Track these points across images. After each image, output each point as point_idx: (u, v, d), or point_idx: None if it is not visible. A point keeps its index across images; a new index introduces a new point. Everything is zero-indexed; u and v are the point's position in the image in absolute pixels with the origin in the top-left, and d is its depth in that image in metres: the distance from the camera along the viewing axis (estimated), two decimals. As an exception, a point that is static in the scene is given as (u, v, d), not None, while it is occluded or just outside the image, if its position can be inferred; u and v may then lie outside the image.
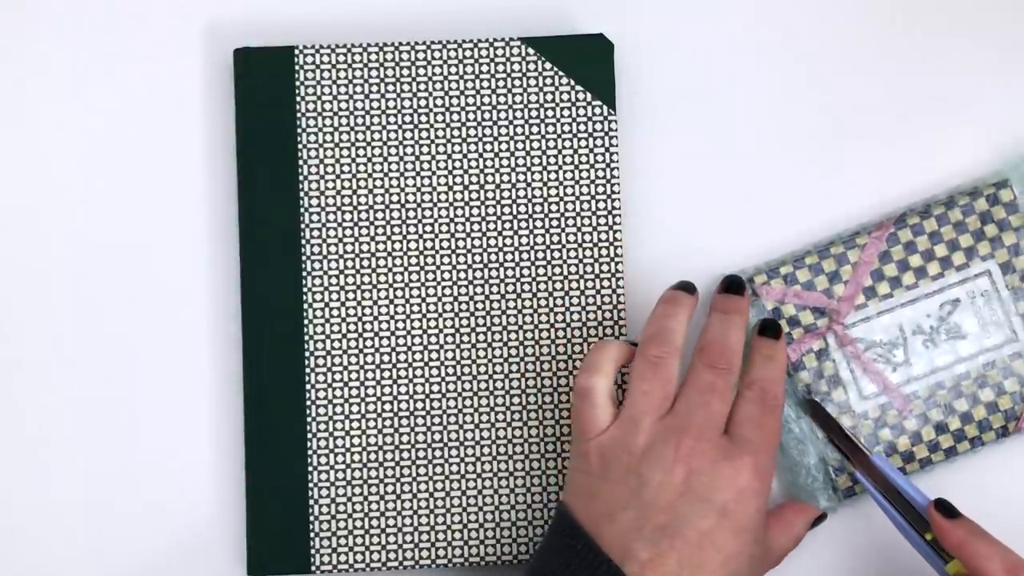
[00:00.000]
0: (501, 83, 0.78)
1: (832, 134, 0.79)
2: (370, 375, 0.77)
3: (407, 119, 0.78)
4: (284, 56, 0.78)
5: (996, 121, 0.79)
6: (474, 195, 0.77)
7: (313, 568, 0.76)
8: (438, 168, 0.78)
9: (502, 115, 0.78)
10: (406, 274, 0.77)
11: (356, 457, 0.76)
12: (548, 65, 0.78)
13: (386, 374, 0.77)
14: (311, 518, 0.76)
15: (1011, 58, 0.80)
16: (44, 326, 0.79)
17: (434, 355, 0.77)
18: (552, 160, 0.78)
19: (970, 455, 0.77)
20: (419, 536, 0.76)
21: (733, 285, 0.75)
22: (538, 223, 0.77)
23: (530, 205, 0.77)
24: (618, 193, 0.78)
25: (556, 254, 0.77)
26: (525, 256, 0.77)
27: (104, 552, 0.78)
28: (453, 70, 0.78)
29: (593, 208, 0.77)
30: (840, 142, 0.79)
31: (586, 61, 0.78)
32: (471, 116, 0.78)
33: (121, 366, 0.78)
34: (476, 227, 0.77)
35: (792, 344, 0.77)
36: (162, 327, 0.79)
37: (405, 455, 0.76)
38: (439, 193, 0.78)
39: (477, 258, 0.77)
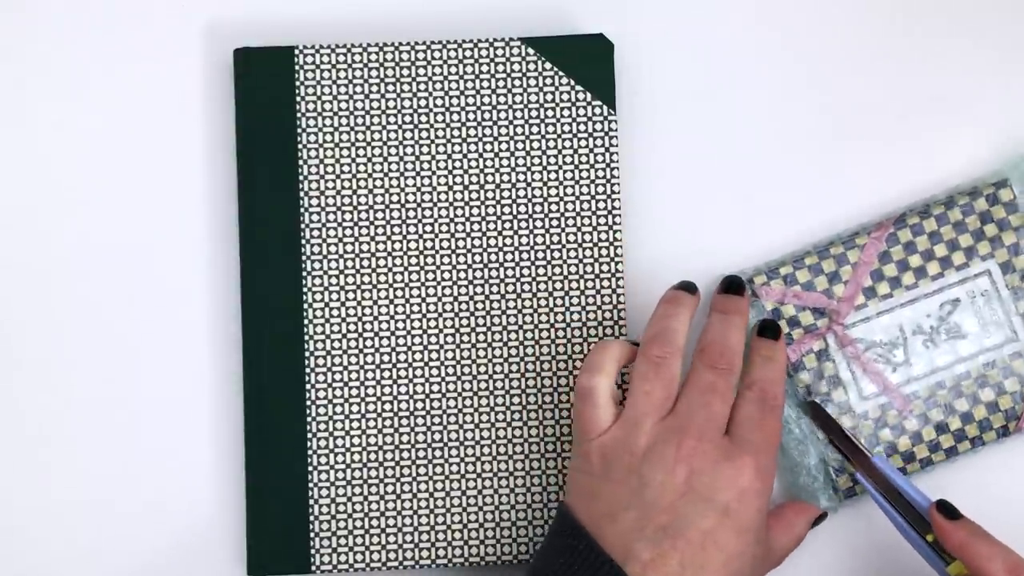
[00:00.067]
0: (501, 83, 0.78)
1: (832, 134, 0.79)
2: (370, 375, 0.77)
3: (407, 119, 0.78)
4: (284, 56, 0.78)
5: (996, 121, 0.79)
6: (474, 195, 0.77)
7: (313, 568, 0.76)
8: (438, 168, 0.78)
9: (502, 115, 0.78)
10: (406, 274, 0.77)
11: (356, 457, 0.76)
12: (548, 65, 0.78)
13: (386, 374, 0.77)
14: (311, 518, 0.76)
15: (1011, 58, 0.80)
16: (44, 326, 0.79)
17: (434, 355, 0.77)
18: (552, 160, 0.78)
19: (971, 455, 0.77)
20: (419, 536, 0.76)
21: (733, 285, 0.75)
22: (538, 223, 0.77)
23: (530, 205, 0.77)
24: (618, 193, 0.78)
25: (556, 254, 0.77)
26: (525, 256, 0.77)
27: (104, 552, 0.78)
28: (453, 70, 0.78)
29: (593, 208, 0.77)
30: (840, 142, 0.79)
31: (586, 61, 0.78)
32: (471, 116, 0.78)
33: (121, 366, 0.78)
34: (476, 227, 0.77)
35: (792, 345, 0.77)
36: (162, 327, 0.79)
37: (405, 455, 0.76)
38: (439, 193, 0.78)
39: (477, 258, 0.77)
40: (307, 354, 0.77)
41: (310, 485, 0.76)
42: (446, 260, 0.77)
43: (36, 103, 0.79)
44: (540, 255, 0.77)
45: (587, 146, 0.78)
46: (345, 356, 0.77)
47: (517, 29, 0.80)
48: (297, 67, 0.78)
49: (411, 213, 0.77)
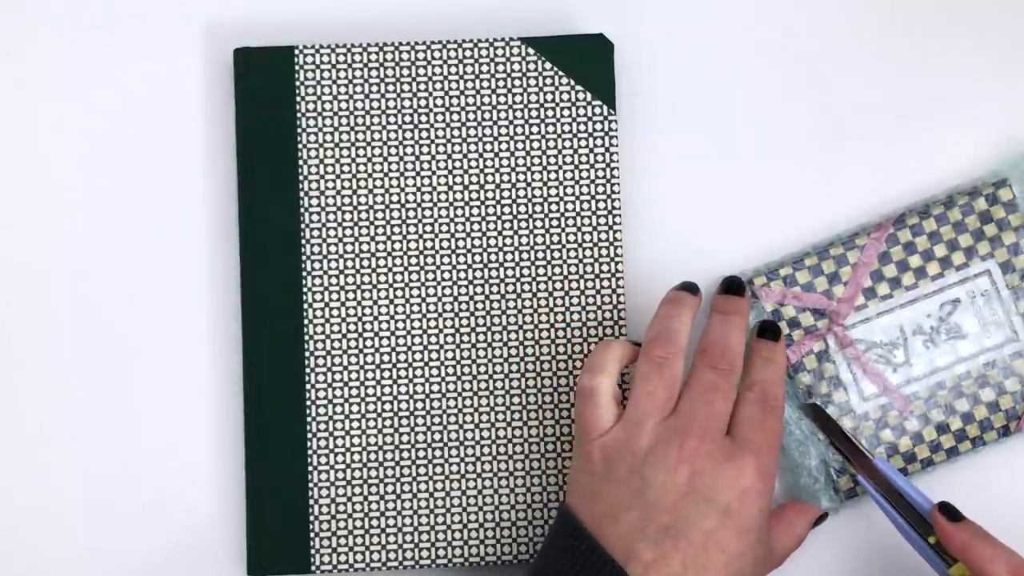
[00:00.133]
0: (501, 83, 0.78)
1: (832, 134, 0.79)
2: (370, 375, 0.77)
3: (407, 119, 0.78)
4: (284, 56, 0.78)
5: (996, 121, 0.79)
6: (474, 195, 0.77)
7: (313, 568, 0.76)
8: (438, 168, 0.78)
9: (502, 115, 0.78)
10: (406, 274, 0.77)
11: (356, 457, 0.76)
12: (548, 65, 0.78)
13: (386, 374, 0.77)
14: (311, 518, 0.76)
15: (1011, 58, 0.80)
16: (44, 326, 0.79)
17: (434, 355, 0.77)
18: (552, 160, 0.78)
19: (971, 455, 0.77)
20: (419, 536, 0.76)
21: (733, 286, 0.75)
22: (538, 223, 0.77)
23: (530, 205, 0.77)
24: (618, 193, 0.78)
25: (556, 254, 0.77)
26: (525, 256, 0.77)
27: (104, 552, 0.78)
28: (453, 70, 0.78)
29: (593, 208, 0.77)
30: (840, 142, 0.79)
31: (586, 61, 0.78)
32: (471, 116, 0.78)
33: (121, 366, 0.78)
34: (476, 227, 0.77)
35: (792, 346, 0.77)
36: (162, 327, 0.79)
37: (405, 455, 0.76)
38: (439, 193, 0.78)
39: (477, 258, 0.77)
40: (307, 354, 0.77)
41: (310, 485, 0.76)
42: (446, 260, 0.77)
43: (36, 103, 0.79)
44: (540, 255, 0.77)
45: (587, 146, 0.78)
46: (345, 356, 0.77)
47: (517, 29, 0.80)
48: (297, 67, 0.78)
49: (411, 213, 0.77)
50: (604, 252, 0.77)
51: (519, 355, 0.77)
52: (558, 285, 0.77)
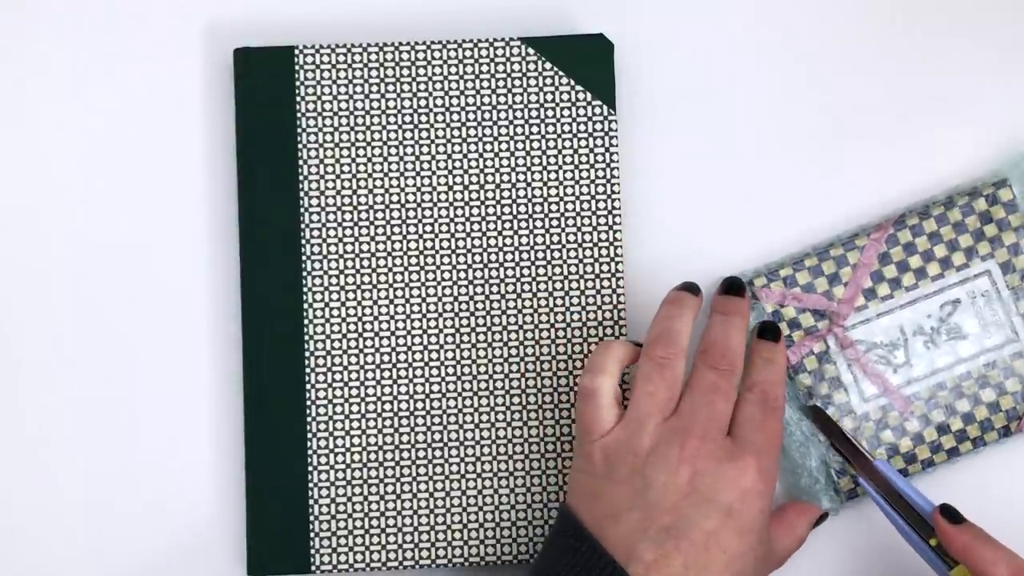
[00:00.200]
0: (501, 83, 0.78)
1: (832, 134, 0.79)
2: (370, 375, 0.77)
3: (407, 119, 0.78)
4: (284, 56, 0.78)
5: (996, 121, 0.79)
6: (474, 195, 0.77)
7: (313, 568, 0.76)
8: (438, 168, 0.78)
9: (502, 115, 0.78)
10: (406, 274, 0.77)
11: (356, 457, 0.76)
12: (548, 65, 0.78)
13: (386, 374, 0.77)
14: (311, 518, 0.76)
15: (1011, 58, 0.80)
16: (44, 326, 0.78)
17: (434, 355, 0.77)
18: (552, 160, 0.78)
19: (972, 455, 0.77)
20: (419, 536, 0.76)
21: (733, 287, 0.75)
22: (538, 223, 0.77)
23: (530, 205, 0.77)
24: (618, 193, 0.78)
25: (556, 254, 0.77)
26: (525, 256, 0.77)
27: (104, 552, 0.78)
28: (453, 70, 0.78)
29: (593, 208, 0.77)
30: (840, 142, 0.79)
31: (586, 61, 0.78)
32: (471, 116, 0.78)
33: (121, 366, 0.78)
34: (476, 227, 0.77)
35: (792, 347, 0.77)
36: (162, 327, 0.79)
37: (405, 455, 0.76)
38: (439, 193, 0.78)
39: (477, 258, 0.77)
40: (307, 354, 0.77)
41: (310, 485, 0.76)
42: (446, 260, 0.77)
43: (36, 103, 0.79)
44: (540, 255, 0.77)
45: (587, 146, 0.78)
46: (345, 356, 0.77)
47: (517, 29, 0.80)
48: (297, 67, 0.78)
49: (411, 213, 0.77)
50: (604, 252, 0.77)
51: (519, 355, 0.77)
52: (558, 285, 0.77)
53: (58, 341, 0.78)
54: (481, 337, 0.77)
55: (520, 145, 0.78)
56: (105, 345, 0.78)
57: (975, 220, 0.77)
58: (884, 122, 0.79)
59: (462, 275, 0.77)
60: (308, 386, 0.77)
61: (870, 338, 0.77)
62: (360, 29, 0.80)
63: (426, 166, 0.78)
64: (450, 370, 0.77)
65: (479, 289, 0.77)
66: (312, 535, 0.76)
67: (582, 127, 0.78)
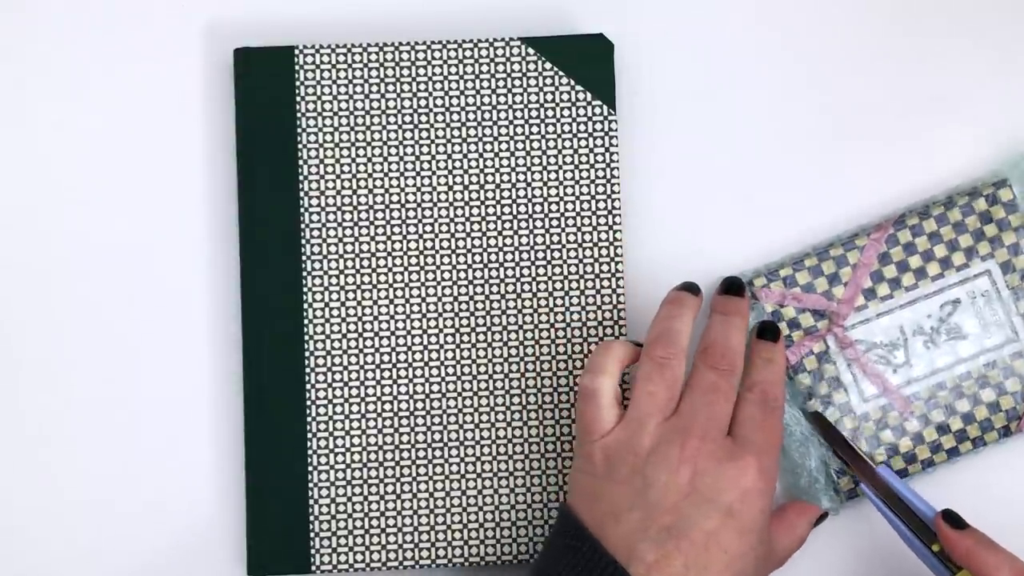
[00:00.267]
0: (501, 83, 0.78)
1: (832, 134, 0.79)
2: (370, 375, 0.77)
3: (407, 119, 0.78)
4: (284, 56, 0.78)
5: (996, 121, 0.79)
6: (474, 195, 0.77)
7: (313, 568, 0.76)
8: (438, 168, 0.78)
9: (502, 115, 0.78)
10: (406, 274, 0.77)
11: (356, 457, 0.76)
12: (548, 65, 0.78)
13: (386, 374, 0.77)
14: (311, 518, 0.76)
15: (1011, 58, 0.80)
16: (44, 326, 0.78)
17: (434, 355, 0.77)
18: (552, 160, 0.78)
19: (972, 455, 0.77)
20: (419, 536, 0.76)
21: (733, 287, 0.75)
22: (538, 223, 0.77)
23: (530, 205, 0.77)
24: (618, 193, 0.78)
25: (556, 254, 0.77)
26: (525, 256, 0.77)
27: (104, 552, 0.78)
28: (453, 70, 0.78)
29: (593, 208, 0.77)
30: (840, 142, 0.79)
31: (586, 61, 0.78)
32: (471, 116, 0.78)
33: (121, 366, 0.78)
34: (476, 227, 0.77)
35: (792, 347, 0.77)
36: (162, 327, 0.79)
37: (405, 455, 0.76)
38: (439, 193, 0.78)
39: (477, 258, 0.77)
40: (307, 354, 0.77)
41: (310, 485, 0.76)
42: (446, 260, 0.77)
43: (36, 103, 0.79)
44: (540, 255, 0.77)
45: (587, 146, 0.78)
46: (345, 356, 0.77)
47: (517, 29, 0.80)
48: (297, 67, 0.78)
49: (411, 213, 0.77)
50: (604, 252, 0.77)
51: (519, 355, 0.77)
52: (558, 285, 0.77)
53: (58, 341, 0.78)
54: (481, 337, 0.77)
55: (520, 145, 0.78)
56: (105, 345, 0.78)
57: (975, 220, 0.77)
58: (884, 122, 0.79)
59: (462, 275, 0.77)
60: (308, 386, 0.77)
61: (870, 338, 0.77)
62: (360, 29, 0.80)
63: (426, 166, 0.78)
64: (450, 370, 0.77)
65: (479, 289, 0.77)
66: (312, 535, 0.76)
67: (582, 127, 0.78)
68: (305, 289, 0.77)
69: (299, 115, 0.78)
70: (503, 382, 0.77)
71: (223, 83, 0.80)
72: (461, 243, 0.77)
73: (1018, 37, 0.80)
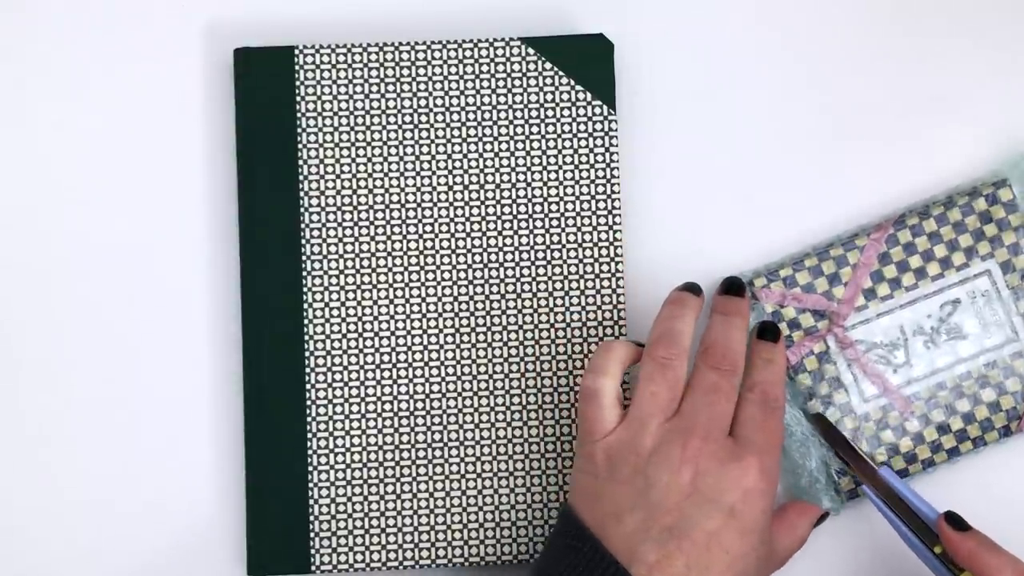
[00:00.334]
0: (501, 83, 0.78)
1: (832, 134, 0.79)
2: (370, 375, 0.77)
3: (407, 119, 0.78)
4: (284, 56, 0.78)
5: (996, 121, 0.79)
6: (474, 195, 0.77)
7: (313, 568, 0.76)
8: (438, 168, 0.78)
9: (502, 115, 0.78)
10: (406, 274, 0.77)
11: (356, 457, 0.76)
12: (548, 65, 0.78)
13: (386, 374, 0.77)
14: (311, 518, 0.76)
15: (1011, 58, 0.80)
16: (44, 326, 0.78)
17: (434, 355, 0.77)
18: (552, 160, 0.78)
19: (972, 455, 0.77)
20: (419, 536, 0.76)
21: (733, 287, 0.75)
22: (538, 223, 0.77)
23: (530, 205, 0.77)
24: (618, 193, 0.78)
25: (556, 254, 0.77)
26: (525, 256, 0.77)
27: (104, 552, 0.78)
28: (453, 70, 0.78)
29: (593, 208, 0.77)
30: (840, 142, 0.79)
31: (586, 61, 0.78)
32: (471, 116, 0.78)
33: (121, 366, 0.78)
34: (476, 227, 0.77)
35: (792, 347, 0.77)
36: (162, 327, 0.79)
37: (405, 455, 0.76)
38: (439, 193, 0.78)
39: (477, 258, 0.77)
40: (307, 354, 0.77)
41: (310, 485, 0.76)
42: (446, 260, 0.77)
43: (36, 103, 0.79)
44: (540, 255, 0.77)
45: (587, 146, 0.78)
46: (345, 356, 0.77)
47: (517, 29, 0.80)
48: (297, 67, 0.78)
49: (411, 213, 0.77)
50: (604, 252, 0.77)
51: (519, 355, 0.77)
52: (558, 285, 0.77)
53: (58, 341, 0.78)
54: (481, 337, 0.77)
55: (520, 145, 0.78)
56: (105, 345, 0.78)
57: (975, 220, 0.77)
58: (884, 122, 0.79)
59: (462, 275, 0.77)
60: (308, 386, 0.77)
61: (870, 338, 0.77)
62: (360, 29, 0.80)
63: (426, 166, 0.78)
64: (450, 370, 0.77)
65: (479, 289, 0.77)
66: (312, 535, 0.76)
67: (582, 127, 0.78)
68: (305, 289, 0.77)
69: (299, 115, 0.78)
70: (503, 382, 0.77)
71: (223, 83, 0.80)
72: (461, 243, 0.77)
73: (1018, 37, 0.80)
